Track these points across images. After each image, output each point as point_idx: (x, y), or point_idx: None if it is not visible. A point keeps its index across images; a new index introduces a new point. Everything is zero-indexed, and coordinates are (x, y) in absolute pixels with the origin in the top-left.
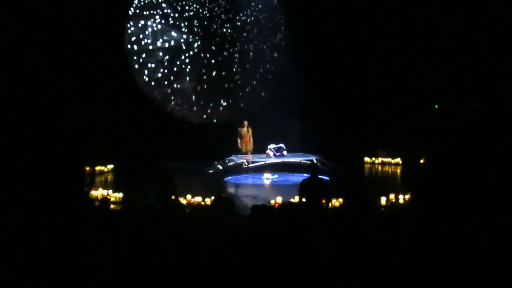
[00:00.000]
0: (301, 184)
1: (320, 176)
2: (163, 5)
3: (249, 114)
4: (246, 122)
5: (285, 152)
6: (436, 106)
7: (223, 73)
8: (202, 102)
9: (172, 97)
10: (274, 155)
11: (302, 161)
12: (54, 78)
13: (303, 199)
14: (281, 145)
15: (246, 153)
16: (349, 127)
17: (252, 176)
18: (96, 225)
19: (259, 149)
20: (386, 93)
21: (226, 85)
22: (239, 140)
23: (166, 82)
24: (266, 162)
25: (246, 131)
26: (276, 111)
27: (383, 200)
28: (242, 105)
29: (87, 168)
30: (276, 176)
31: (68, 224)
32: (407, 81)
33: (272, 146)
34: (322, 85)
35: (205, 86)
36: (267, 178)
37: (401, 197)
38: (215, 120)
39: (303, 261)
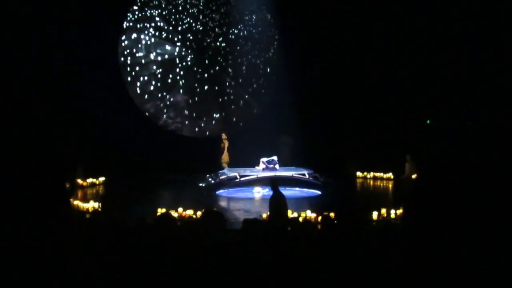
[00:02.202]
0: (270, 201)
1: (279, 191)
2: (157, 18)
3: (241, 127)
4: (224, 135)
5: (277, 166)
6: (428, 122)
7: (216, 87)
8: (194, 115)
9: (165, 110)
10: (267, 167)
11: (294, 175)
12: (46, 90)
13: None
14: (274, 158)
15: (223, 167)
16: (342, 142)
17: (244, 190)
18: (86, 237)
19: (251, 162)
20: (378, 108)
21: (219, 99)
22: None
23: (159, 95)
24: (258, 175)
25: (224, 144)
26: (269, 125)
27: (374, 215)
28: (234, 119)
29: (69, 178)
30: (266, 190)
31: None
32: (400, 95)
33: (264, 159)
34: (315, 99)
35: (198, 100)
36: (258, 192)
37: (392, 211)
38: (207, 133)
39: (295, 274)
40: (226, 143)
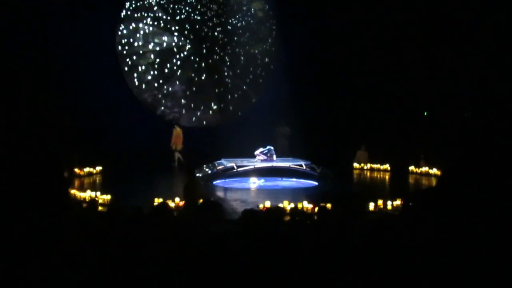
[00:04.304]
0: (184, 187)
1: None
2: (155, 8)
3: (239, 117)
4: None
5: (274, 156)
6: (426, 113)
7: (214, 76)
8: (192, 105)
9: (163, 100)
10: (266, 156)
11: (292, 165)
12: (42, 80)
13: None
14: (270, 147)
15: (176, 151)
16: (339, 132)
17: (241, 180)
18: (83, 227)
19: (249, 153)
20: (376, 99)
21: (216, 89)
22: (172, 139)
23: (156, 85)
24: (255, 166)
25: (178, 130)
26: (266, 115)
27: (371, 206)
28: (231, 108)
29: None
30: (262, 180)
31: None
32: (398, 85)
33: (258, 151)
34: (313, 89)
35: (195, 89)
36: (254, 182)
37: (389, 203)
38: (205, 123)
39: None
40: (177, 131)
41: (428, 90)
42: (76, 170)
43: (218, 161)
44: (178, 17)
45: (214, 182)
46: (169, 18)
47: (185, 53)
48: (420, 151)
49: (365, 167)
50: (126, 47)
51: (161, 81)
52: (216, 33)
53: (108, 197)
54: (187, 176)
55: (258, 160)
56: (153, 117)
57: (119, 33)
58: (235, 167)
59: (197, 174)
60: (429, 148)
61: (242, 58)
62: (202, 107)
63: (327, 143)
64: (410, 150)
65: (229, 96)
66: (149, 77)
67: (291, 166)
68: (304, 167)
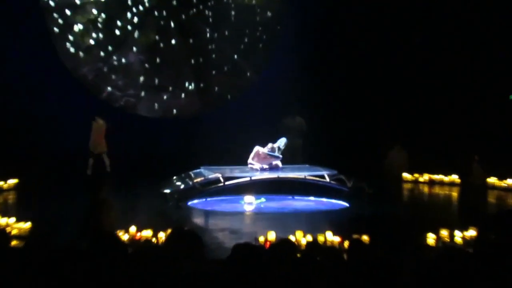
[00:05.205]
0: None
1: None
2: None
3: (227, 104)
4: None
5: (279, 163)
6: (511, 97)
7: (189, 41)
8: (155, 84)
9: (111, 76)
10: (268, 162)
11: (308, 176)
12: None
13: None
14: (282, 141)
15: (97, 155)
16: (378, 130)
17: (229, 199)
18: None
19: (240, 157)
20: (431, 84)
21: (192, 60)
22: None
23: (101, 54)
24: (252, 178)
25: (100, 125)
26: (268, 101)
27: (430, 239)
28: (216, 89)
29: None
30: (263, 199)
31: None
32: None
33: (269, 146)
34: (339, 63)
35: (161, 61)
36: (250, 202)
37: (458, 233)
38: (175, 112)
39: None
40: (98, 125)
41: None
42: None
43: (195, 171)
44: None
45: (190, 203)
46: None
47: (145, 5)
48: (474, 151)
49: (421, 179)
50: None
51: (108, 47)
52: None
53: (27, 225)
54: (91, 195)
55: (258, 168)
56: (96, 103)
57: None
58: (222, 180)
59: (165, 190)
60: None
61: (232, 12)
62: (170, 88)
63: (357, 144)
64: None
65: (213, 72)
66: (91, 42)
67: (308, 177)
68: (328, 179)
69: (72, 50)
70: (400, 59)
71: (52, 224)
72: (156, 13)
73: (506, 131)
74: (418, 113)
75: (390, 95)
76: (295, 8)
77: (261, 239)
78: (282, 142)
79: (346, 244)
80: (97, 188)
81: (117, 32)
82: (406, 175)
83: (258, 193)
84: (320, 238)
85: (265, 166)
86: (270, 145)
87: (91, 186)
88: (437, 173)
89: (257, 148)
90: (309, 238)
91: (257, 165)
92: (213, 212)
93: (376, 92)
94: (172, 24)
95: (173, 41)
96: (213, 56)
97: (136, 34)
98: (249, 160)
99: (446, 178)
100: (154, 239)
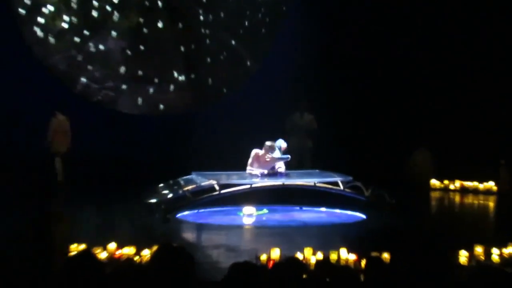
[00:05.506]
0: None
1: None
2: None
3: (223, 98)
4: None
5: (282, 168)
6: None
7: (178, 25)
8: (139, 76)
9: (87, 66)
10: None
11: (319, 184)
12: None
13: None
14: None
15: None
16: (399, 129)
17: (225, 211)
18: None
19: (238, 162)
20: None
21: (182, 47)
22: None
23: (75, 39)
24: (253, 185)
25: (60, 120)
26: (272, 96)
27: (462, 257)
28: (211, 81)
29: None
30: (265, 211)
31: None
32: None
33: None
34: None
35: (145, 48)
36: (250, 214)
37: (495, 251)
38: (161, 108)
39: None
40: (58, 122)
41: None
42: None
43: (186, 177)
44: None
45: (179, 215)
46: None
47: None
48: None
49: (451, 186)
50: None
51: (84, 32)
52: None
53: None
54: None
55: (258, 174)
56: (69, 97)
57: None
58: (217, 188)
59: (150, 200)
60: None
61: None
62: (156, 80)
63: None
64: None
65: (207, 60)
66: (63, 25)
67: (318, 184)
68: (342, 187)
69: (41, 35)
70: (433, 50)
71: (14, 237)
72: None
73: None
74: (445, 109)
75: (416, 89)
76: None
77: (263, 257)
78: (279, 143)
79: (363, 263)
80: (50, 196)
81: (94, 13)
82: (434, 182)
83: (259, 203)
84: (333, 256)
85: (266, 172)
86: (268, 143)
87: (42, 195)
88: (471, 180)
89: (255, 151)
90: (320, 256)
91: (256, 171)
92: (206, 225)
93: (398, 86)
94: (160, 4)
95: (159, 25)
96: (207, 42)
97: (116, 16)
98: (248, 167)
99: (481, 186)
100: (137, 258)
